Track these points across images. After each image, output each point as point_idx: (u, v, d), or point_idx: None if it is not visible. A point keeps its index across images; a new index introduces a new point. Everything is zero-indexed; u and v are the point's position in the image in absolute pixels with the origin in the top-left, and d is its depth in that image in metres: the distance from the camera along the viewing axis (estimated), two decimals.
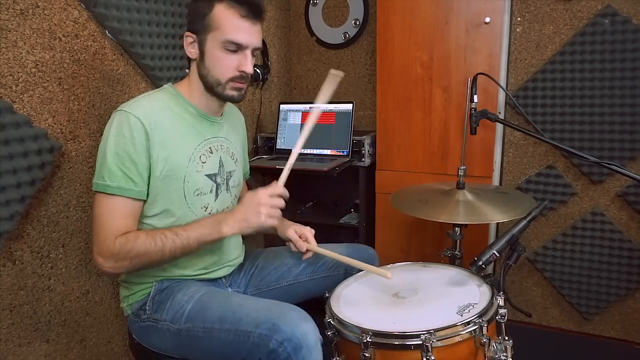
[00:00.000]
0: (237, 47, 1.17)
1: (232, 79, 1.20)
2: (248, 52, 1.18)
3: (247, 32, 1.17)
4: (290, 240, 1.37)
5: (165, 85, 1.29)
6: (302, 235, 1.36)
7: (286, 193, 1.19)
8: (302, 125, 2.18)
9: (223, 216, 1.19)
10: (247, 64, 1.18)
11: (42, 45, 1.29)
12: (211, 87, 1.22)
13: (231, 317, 1.09)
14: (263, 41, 2.27)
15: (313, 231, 1.37)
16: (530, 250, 2.08)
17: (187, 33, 1.20)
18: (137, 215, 1.17)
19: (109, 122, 1.16)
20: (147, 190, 1.17)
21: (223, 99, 1.24)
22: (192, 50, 1.21)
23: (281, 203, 1.18)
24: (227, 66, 1.18)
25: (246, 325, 1.05)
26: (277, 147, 2.21)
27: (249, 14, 1.16)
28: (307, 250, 1.35)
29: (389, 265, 1.36)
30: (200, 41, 1.19)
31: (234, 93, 1.22)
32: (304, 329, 1.02)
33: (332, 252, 1.31)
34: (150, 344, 1.22)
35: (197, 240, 1.15)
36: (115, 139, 1.12)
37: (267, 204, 1.15)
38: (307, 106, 2.20)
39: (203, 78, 1.22)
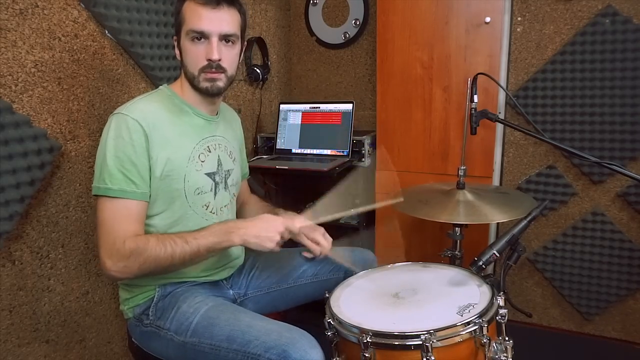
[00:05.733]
0: (201, 36, 1.17)
1: (203, 70, 1.20)
2: (213, 40, 1.17)
3: (208, 19, 1.16)
4: (303, 245, 1.37)
5: (160, 87, 1.30)
6: (313, 240, 1.35)
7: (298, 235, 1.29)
8: (302, 125, 2.18)
9: (235, 226, 1.17)
10: (212, 50, 1.17)
11: (41, 45, 1.29)
12: (191, 82, 1.23)
13: (240, 337, 1.08)
14: (263, 41, 2.28)
15: (322, 229, 1.36)
16: (530, 250, 2.08)
17: (174, 37, 1.25)
18: (142, 217, 1.16)
19: (106, 125, 1.16)
20: (150, 191, 1.16)
21: (200, 92, 1.24)
22: (176, 51, 1.25)
23: (288, 238, 1.24)
24: (195, 56, 1.19)
25: (255, 348, 1.05)
26: (277, 147, 2.20)
27: (209, 1, 1.16)
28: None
29: (389, 266, 1.36)
30: (178, 40, 1.23)
31: (207, 84, 1.21)
32: (313, 356, 1.02)
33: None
34: (150, 348, 1.22)
35: (207, 248, 1.14)
36: (115, 142, 1.12)
37: (282, 235, 1.18)
38: (307, 106, 2.20)
39: (186, 75, 1.24)
